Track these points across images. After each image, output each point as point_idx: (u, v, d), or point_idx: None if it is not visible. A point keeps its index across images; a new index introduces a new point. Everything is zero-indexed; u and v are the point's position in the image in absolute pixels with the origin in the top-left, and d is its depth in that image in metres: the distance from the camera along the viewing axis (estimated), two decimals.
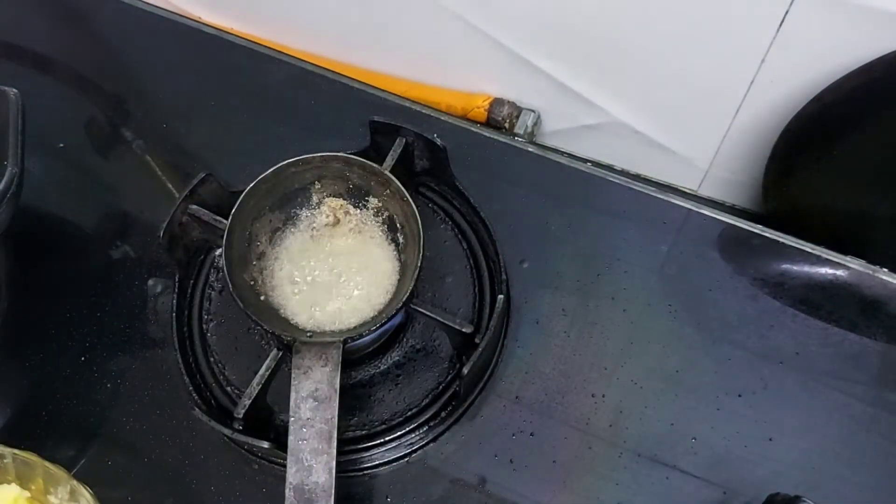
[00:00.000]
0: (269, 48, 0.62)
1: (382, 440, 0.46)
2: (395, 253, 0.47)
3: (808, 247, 0.51)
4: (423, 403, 0.47)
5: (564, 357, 0.49)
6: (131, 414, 0.49)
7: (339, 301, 0.45)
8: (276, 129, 0.58)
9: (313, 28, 0.73)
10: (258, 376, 0.43)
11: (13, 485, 0.44)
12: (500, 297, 0.46)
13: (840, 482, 0.45)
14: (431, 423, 0.47)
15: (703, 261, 0.51)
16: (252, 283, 0.45)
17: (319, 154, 0.46)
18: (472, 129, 0.57)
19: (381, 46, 0.72)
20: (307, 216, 0.48)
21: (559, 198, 0.54)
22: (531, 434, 0.46)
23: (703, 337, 0.49)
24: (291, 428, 0.40)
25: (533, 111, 0.70)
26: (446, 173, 0.51)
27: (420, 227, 0.43)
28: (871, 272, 0.50)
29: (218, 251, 0.50)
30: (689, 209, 0.53)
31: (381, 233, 0.47)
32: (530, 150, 0.56)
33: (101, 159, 0.59)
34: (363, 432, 0.47)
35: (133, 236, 0.55)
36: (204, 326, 0.50)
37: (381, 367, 0.49)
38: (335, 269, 0.46)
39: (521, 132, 0.69)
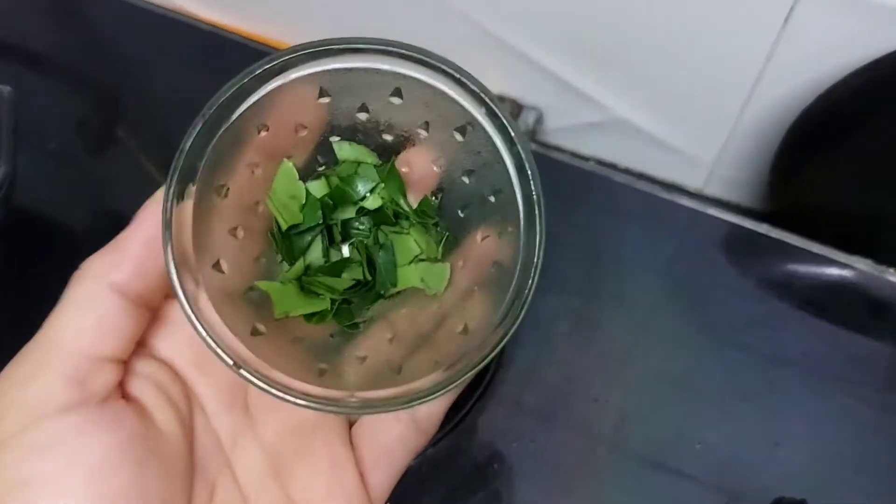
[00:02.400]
0: (268, 46, 0.62)
1: None
2: None
3: (815, 247, 0.50)
4: None
5: (567, 360, 0.48)
6: None
7: None
8: None
9: (312, 25, 0.72)
10: None
11: None
12: None
13: (847, 487, 0.44)
14: None
15: (708, 261, 0.51)
16: None
17: None
18: None
19: None
20: None
21: (561, 197, 0.53)
22: (532, 440, 0.46)
23: (709, 339, 0.48)
24: None
25: (535, 109, 0.69)
26: None
27: None
28: (879, 273, 0.49)
29: None
30: (695, 209, 0.52)
31: None
32: (532, 148, 0.55)
33: (95, 159, 0.59)
34: None
35: None
36: None
37: None
38: None
39: (523, 130, 0.69)
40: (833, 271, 0.50)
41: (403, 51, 0.26)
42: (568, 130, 0.70)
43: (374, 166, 0.29)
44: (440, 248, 0.29)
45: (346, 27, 0.72)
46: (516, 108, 0.69)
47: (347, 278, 0.29)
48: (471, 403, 0.47)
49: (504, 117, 0.26)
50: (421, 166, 0.29)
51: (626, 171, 0.67)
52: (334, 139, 0.29)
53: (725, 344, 0.48)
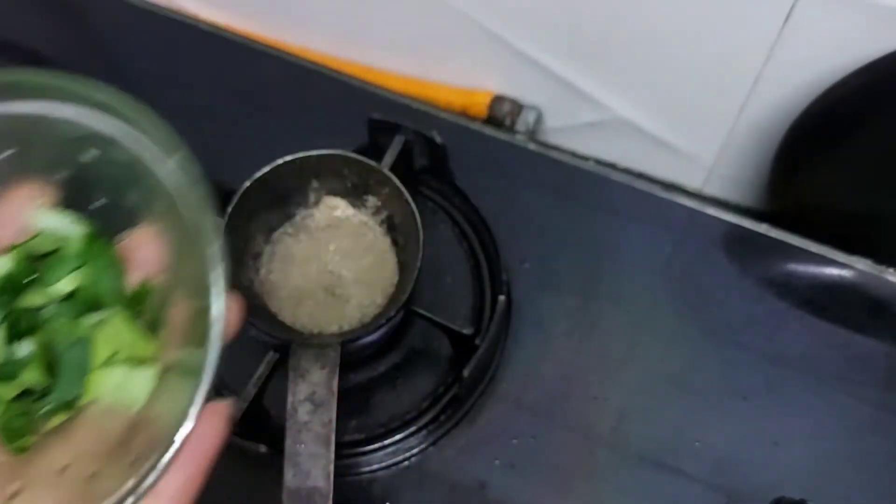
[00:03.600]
0: (266, 45, 0.61)
1: (381, 444, 0.46)
2: (393, 253, 0.46)
3: (814, 247, 0.50)
4: (423, 406, 0.47)
5: (566, 359, 0.48)
6: None
7: (337, 302, 0.44)
8: (273, 126, 0.57)
9: (311, 23, 0.72)
10: (254, 379, 0.42)
11: None
12: (501, 297, 0.45)
13: (846, 486, 0.44)
14: (431, 427, 0.46)
15: (707, 261, 0.50)
16: (248, 284, 0.44)
17: (317, 152, 0.45)
18: (473, 126, 0.56)
19: (380, 42, 0.71)
20: (304, 215, 0.47)
21: (561, 197, 0.53)
22: (532, 438, 0.46)
23: (708, 339, 0.48)
24: (288, 432, 0.39)
25: (534, 108, 0.69)
26: (446, 172, 0.51)
27: (419, 226, 0.43)
28: (878, 272, 0.49)
29: None
30: (694, 209, 0.52)
31: (379, 232, 0.47)
32: (531, 147, 0.56)
33: None
34: (362, 436, 0.46)
35: None
36: None
37: (380, 370, 0.48)
38: (333, 270, 0.45)
39: (523, 129, 0.68)
40: (832, 271, 0.50)
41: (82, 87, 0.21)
42: (568, 130, 0.70)
43: (86, 240, 0.23)
44: (153, 347, 0.22)
45: (345, 27, 0.72)
46: (516, 108, 0.69)
47: (18, 384, 0.22)
48: (472, 401, 0.47)
49: (183, 165, 0.21)
50: (144, 243, 0.23)
51: (626, 171, 0.67)
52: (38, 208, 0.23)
53: (724, 343, 0.48)
